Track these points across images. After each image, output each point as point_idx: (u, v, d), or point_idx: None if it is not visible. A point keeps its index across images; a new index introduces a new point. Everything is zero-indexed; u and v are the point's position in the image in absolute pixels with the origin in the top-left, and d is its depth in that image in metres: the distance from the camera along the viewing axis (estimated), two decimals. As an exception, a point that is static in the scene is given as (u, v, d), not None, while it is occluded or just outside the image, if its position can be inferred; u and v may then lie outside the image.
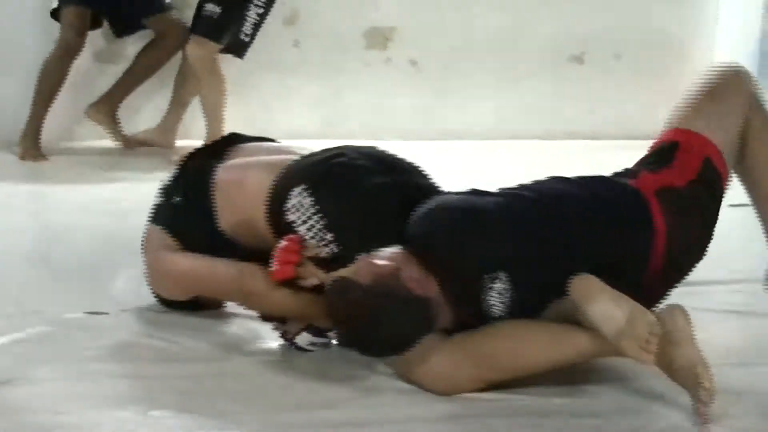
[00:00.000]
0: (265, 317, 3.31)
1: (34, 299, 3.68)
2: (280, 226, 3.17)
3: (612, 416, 2.87)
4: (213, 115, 5.88)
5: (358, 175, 3.17)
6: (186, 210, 3.39)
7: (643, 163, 3.22)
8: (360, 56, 6.74)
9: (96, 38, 6.22)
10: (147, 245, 3.46)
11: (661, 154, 3.21)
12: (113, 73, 6.20)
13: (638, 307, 2.81)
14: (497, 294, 2.92)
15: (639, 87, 7.02)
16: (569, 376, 3.00)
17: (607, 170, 3.32)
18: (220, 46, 5.85)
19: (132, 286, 3.76)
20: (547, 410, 2.89)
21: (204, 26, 5.89)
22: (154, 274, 3.44)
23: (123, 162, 6.08)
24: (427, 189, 3.20)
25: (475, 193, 3.11)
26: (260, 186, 3.25)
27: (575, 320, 2.88)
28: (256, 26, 5.88)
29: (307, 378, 3.08)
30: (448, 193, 3.17)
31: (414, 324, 2.88)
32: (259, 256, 3.21)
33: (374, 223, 3.10)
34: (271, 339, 3.32)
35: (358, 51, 6.74)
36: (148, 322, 3.51)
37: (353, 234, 3.08)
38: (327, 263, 3.08)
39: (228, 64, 5.90)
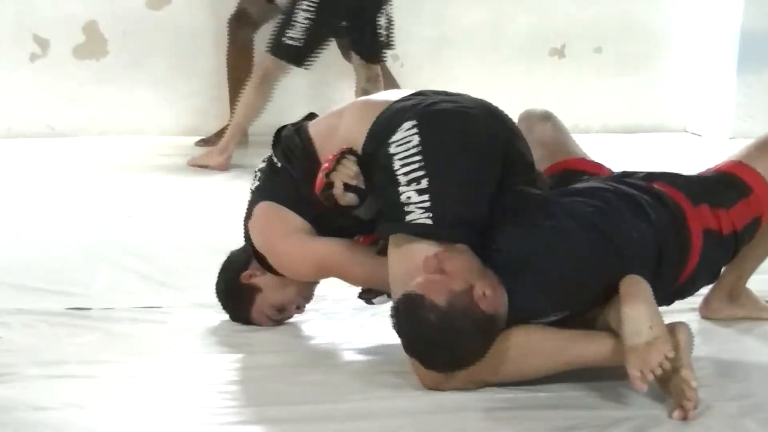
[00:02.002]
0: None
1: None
2: (375, 156, 3.04)
3: (596, 408, 2.88)
4: (239, 115, 5.73)
5: (469, 124, 3.09)
6: (289, 174, 3.25)
7: (712, 187, 3.17)
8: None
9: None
10: (267, 226, 3.29)
11: (730, 190, 3.17)
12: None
13: (664, 336, 2.78)
14: (546, 320, 2.93)
15: (620, 80, 7.02)
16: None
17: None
18: (270, 56, 5.63)
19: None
20: (531, 403, 2.89)
21: None
22: (284, 257, 3.26)
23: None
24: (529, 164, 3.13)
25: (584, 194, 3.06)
26: (359, 120, 3.13)
27: (601, 322, 2.92)
28: (308, 30, 5.54)
29: (292, 374, 3.08)
30: (557, 193, 3.11)
31: (482, 343, 2.86)
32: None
33: (473, 182, 2.99)
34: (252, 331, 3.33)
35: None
36: (131, 319, 3.50)
37: (448, 188, 2.95)
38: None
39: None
